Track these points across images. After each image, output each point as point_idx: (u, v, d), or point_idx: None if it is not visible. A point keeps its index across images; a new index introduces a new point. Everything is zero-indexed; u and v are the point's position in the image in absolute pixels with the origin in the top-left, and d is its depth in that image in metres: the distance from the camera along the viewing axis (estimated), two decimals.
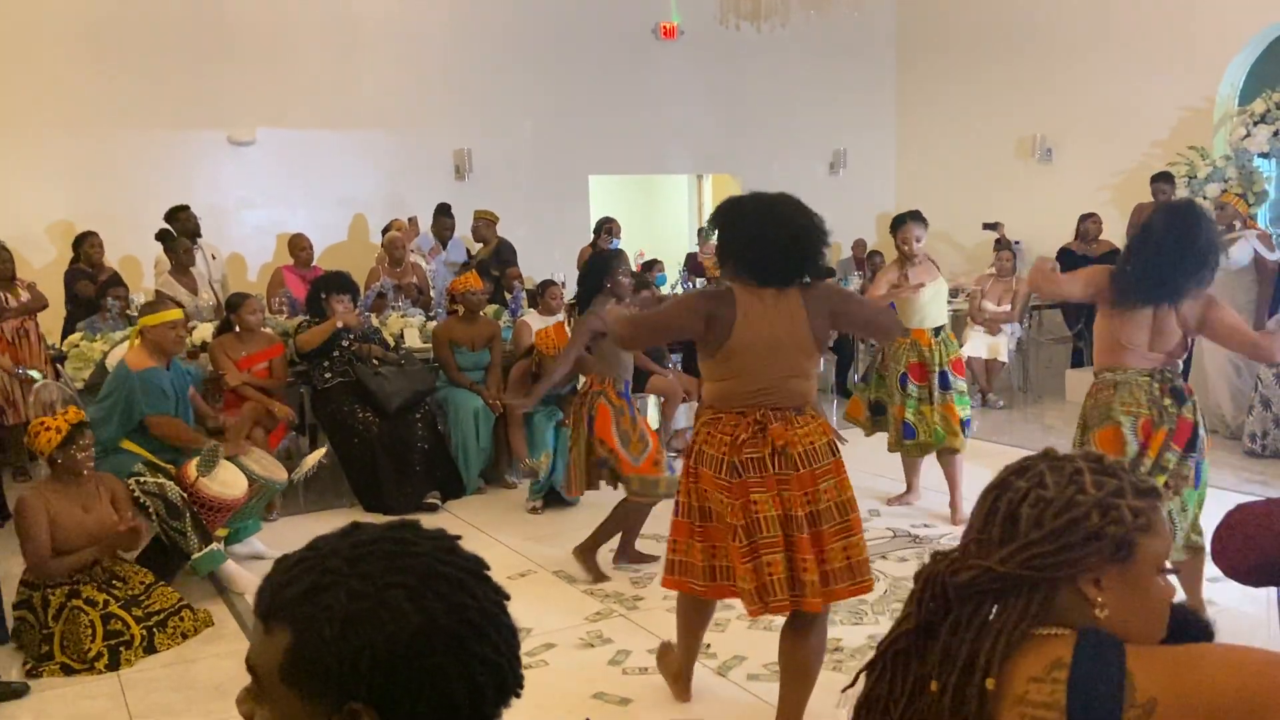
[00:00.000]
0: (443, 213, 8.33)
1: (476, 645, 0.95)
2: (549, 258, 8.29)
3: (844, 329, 2.87)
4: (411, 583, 0.94)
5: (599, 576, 4.41)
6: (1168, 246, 3.33)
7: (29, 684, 3.63)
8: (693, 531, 2.93)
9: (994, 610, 1.25)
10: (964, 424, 5.15)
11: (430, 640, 0.93)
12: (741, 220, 2.87)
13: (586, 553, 4.44)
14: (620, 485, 4.44)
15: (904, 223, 5.12)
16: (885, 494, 5.53)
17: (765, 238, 2.81)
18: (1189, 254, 3.33)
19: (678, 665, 3.33)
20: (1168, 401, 3.44)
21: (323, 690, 0.93)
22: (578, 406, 4.44)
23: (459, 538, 1.02)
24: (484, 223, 8.34)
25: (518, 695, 1.01)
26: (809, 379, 2.92)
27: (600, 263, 4.51)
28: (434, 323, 6.55)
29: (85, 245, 7.04)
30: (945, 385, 5.11)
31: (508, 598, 1.01)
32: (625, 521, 4.45)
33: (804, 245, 2.83)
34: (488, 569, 1.01)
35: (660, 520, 5.11)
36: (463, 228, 8.58)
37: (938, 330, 5.16)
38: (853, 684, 1.40)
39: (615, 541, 4.56)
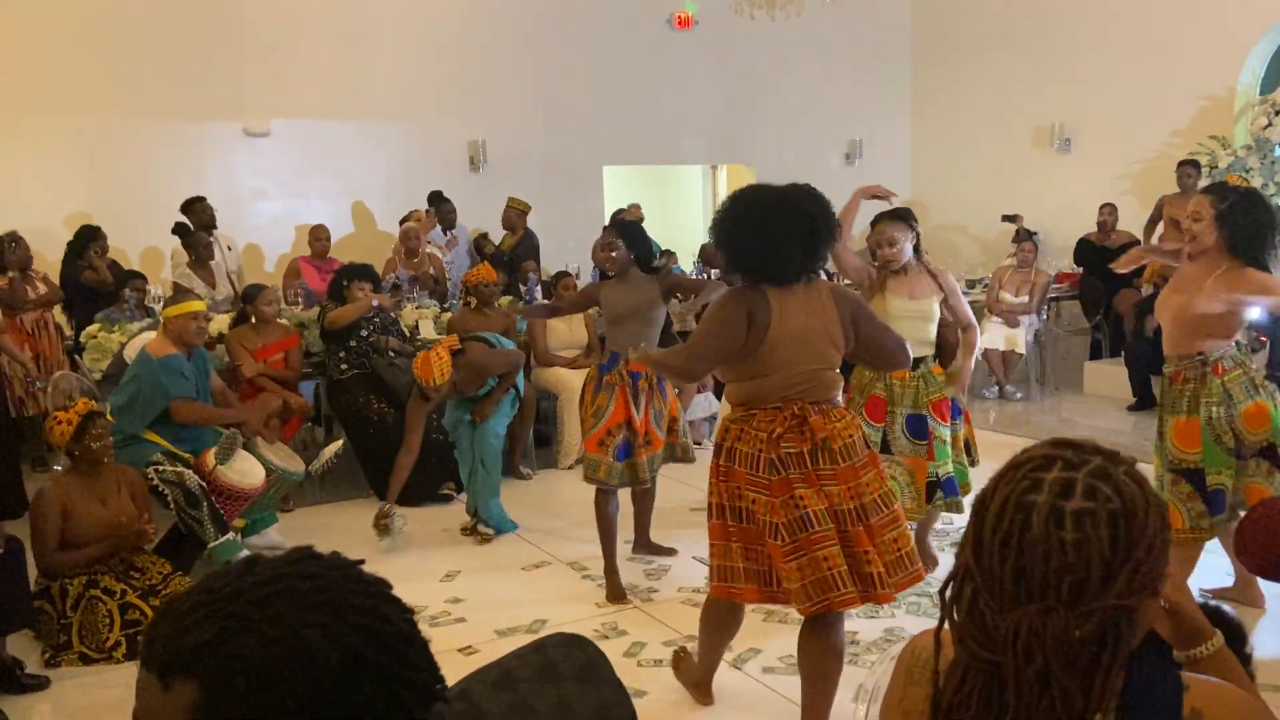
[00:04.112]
0: (438, 199, 8.29)
1: (399, 670, 0.91)
2: (563, 248, 8.28)
3: (854, 340, 2.83)
4: (327, 620, 0.88)
5: (621, 595, 4.17)
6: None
7: (49, 675, 3.65)
8: (728, 533, 2.83)
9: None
10: (942, 485, 3.95)
11: (355, 676, 0.88)
12: (749, 214, 2.78)
13: (612, 575, 4.20)
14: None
15: (877, 221, 4.03)
16: None
17: (783, 231, 2.73)
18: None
19: (699, 674, 3.23)
20: None
21: None
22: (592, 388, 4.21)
23: (362, 561, 0.97)
24: (516, 212, 8.31)
25: (445, 701, 0.97)
26: (836, 372, 2.89)
27: (645, 235, 4.35)
28: (449, 314, 6.56)
29: (97, 242, 6.91)
30: (919, 434, 3.94)
31: (414, 612, 0.97)
32: (608, 522, 4.20)
33: (819, 236, 2.79)
34: (391, 588, 0.97)
35: (665, 513, 5.11)
36: (477, 219, 8.58)
37: (916, 363, 3.88)
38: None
39: (630, 534, 4.53)
